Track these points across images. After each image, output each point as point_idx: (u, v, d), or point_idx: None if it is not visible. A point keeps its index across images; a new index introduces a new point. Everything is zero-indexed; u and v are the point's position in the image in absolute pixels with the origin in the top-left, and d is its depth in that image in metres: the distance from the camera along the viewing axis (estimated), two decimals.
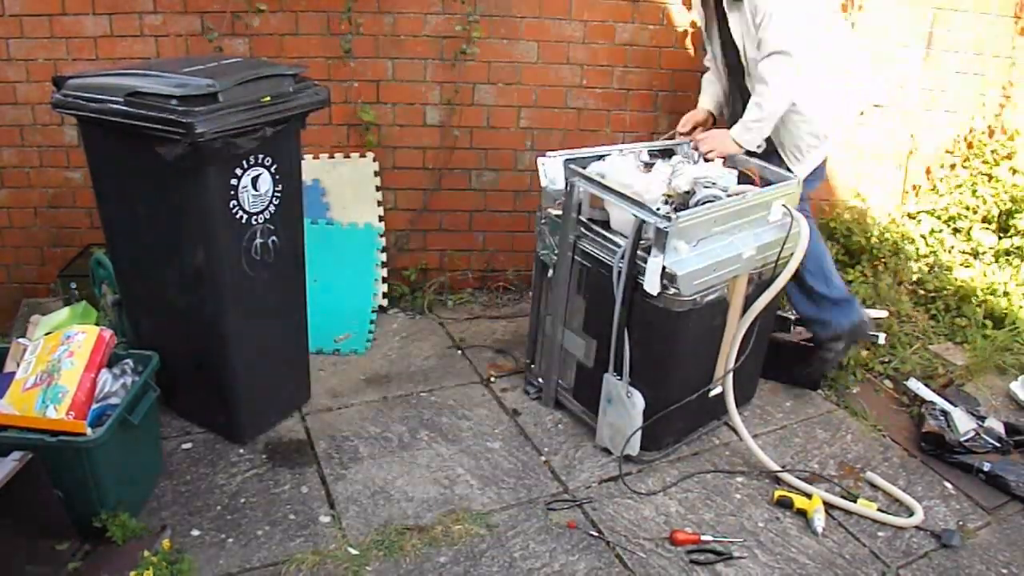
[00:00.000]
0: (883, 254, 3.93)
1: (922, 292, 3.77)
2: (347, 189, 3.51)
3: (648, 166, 2.75)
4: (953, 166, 4.28)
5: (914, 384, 3.13)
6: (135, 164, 2.30)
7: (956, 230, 4.15)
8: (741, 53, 2.77)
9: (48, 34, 3.12)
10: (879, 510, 2.50)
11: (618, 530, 2.39)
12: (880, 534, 2.44)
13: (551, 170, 2.74)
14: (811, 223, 2.81)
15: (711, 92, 3.06)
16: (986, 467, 2.68)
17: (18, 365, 2.28)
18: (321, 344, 3.22)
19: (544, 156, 2.78)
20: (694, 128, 2.99)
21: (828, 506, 2.51)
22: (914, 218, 4.22)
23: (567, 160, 2.74)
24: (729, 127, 2.85)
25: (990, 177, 4.16)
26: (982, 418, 2.91)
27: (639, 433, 2.57)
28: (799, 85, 2.68)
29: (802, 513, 2.48)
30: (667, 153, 2.79)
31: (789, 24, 2.59)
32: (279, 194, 2.48)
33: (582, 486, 2.57)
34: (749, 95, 2.77)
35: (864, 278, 3.75)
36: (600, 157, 2.72)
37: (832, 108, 2.84)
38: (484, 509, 2.44)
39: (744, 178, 2.79)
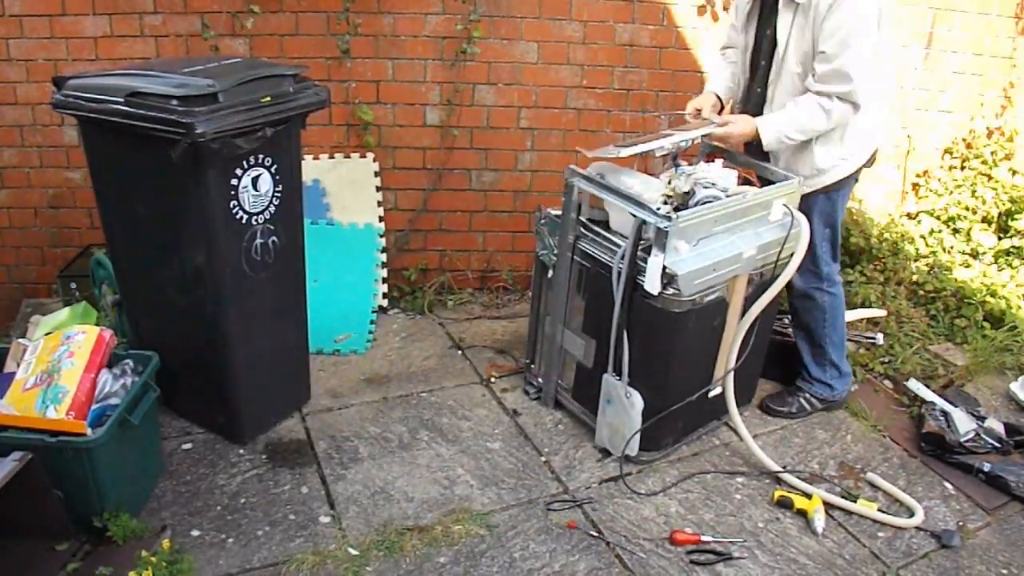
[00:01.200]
0: (882, 254, 3.93)
1: (921, 292, 3.76)
2: (347, 189, 3.51)
3: None
4: (952, 167, 4.29)
5: (914, 384, 3.13)
6: (135, 164, 2.30)
7: (955, 230, 4.15)
8: (779, 54, 2.55)
9: (48, 34, 3.12)
10: (879, 510, 2.50)
11: (618, 530, 2.39)
12: (880, 534, 2.44)
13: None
14: (839, 299, 2.85)
15: (722, 76, 2.85)
16: (986, 467, 2.68)
17: (18, 365, 2.28)
18: (321, 344, 3.22)
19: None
20: (699, 112, 2.78)
21: (828, 506, 2.51)
22: (913, 218, 4.23)
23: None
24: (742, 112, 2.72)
25: (989, 177, 4.17)
26: (982, 418, 2.90)
27: (639, 433, 2.57)
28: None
29: (802, 513, 2.48)
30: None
31: (864, 55, 2.42)
32: (279, 194, 2.47)
33: (582, 486, 2.58)
34: (767, 92, 2.63)
35: (864, 279, 3.75)
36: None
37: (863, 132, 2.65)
38: (484, 509, 2.44)
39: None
